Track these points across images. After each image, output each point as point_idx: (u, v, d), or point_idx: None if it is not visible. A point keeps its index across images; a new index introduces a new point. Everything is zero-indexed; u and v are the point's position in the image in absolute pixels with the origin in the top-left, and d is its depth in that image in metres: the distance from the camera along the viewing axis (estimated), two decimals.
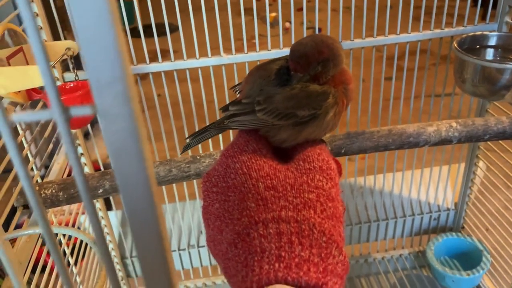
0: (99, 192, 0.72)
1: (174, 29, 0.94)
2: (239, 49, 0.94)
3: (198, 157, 0.76)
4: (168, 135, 1.02)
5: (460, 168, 1.26)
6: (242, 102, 0.46)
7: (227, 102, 0.98)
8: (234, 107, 0.46)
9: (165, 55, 0.92)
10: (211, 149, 1.04)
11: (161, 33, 0.90)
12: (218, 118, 1.08)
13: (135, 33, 0.89)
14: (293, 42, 0.94)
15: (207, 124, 0.98)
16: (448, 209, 1.33)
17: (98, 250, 0.58)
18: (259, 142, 0.44)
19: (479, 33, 0.96)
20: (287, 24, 3.24)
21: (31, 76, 0.67)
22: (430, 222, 1.36)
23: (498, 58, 0.96)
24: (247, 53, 0.96)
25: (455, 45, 0.91)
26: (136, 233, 0.22)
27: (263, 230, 0.35)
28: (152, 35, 0.90)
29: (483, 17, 1.03)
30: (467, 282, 1.19)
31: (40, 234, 0.70)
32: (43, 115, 0.21)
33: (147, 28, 0.89)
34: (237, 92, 0.49)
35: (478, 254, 1.23)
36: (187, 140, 0.50)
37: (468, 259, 1.26)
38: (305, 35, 0.95)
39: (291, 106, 0.44)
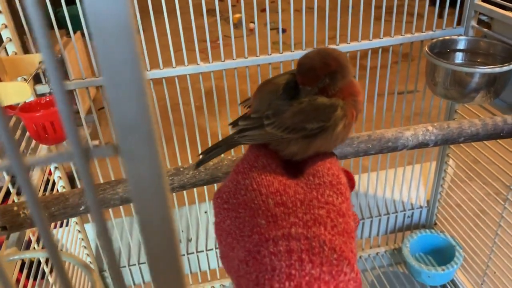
0: (81, 209, 0.70)
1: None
2: (203, 51, 0.94)
3: (181, 169, 0.75)
4: None
5: (431, 167, 1.30)
6: (251, 116, 0.46)
7: (204, 104, 0.98)
8: (243, 122, 0.46)
9: None
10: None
11: None
12: (195, 120, 1.07)
13: None
14: (257, 43, 0.95)
15: (184, 123, 0.98)
16: (421, 207, 1.37)
17: (87, 273, 0.57)
18: (269, 157, 0.44)
19: (448, 37, 0.99)
20: (251, 25, 3.26)
21: (6, 93, 0.64)
22: (404, 220, 1.39)
23: (467, 61, 0.99)
24: (224, 60, 0.96)
25: (427, 49, 0.94)
26: (156, 277, 0.22)
27: (273, 248, 0.34)
28: None
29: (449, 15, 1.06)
30: (442, 277, 1.23)
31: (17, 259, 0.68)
32: (63, 158, 0.20)
33: None
34: (247, 107, 0.49)
35: (451, 250, 1.27)
36: (200, 156, 0.50)
37: (442, 254, 1.30)
38: (269, 35, 0.96)
39: (299, 120, 0.44)
